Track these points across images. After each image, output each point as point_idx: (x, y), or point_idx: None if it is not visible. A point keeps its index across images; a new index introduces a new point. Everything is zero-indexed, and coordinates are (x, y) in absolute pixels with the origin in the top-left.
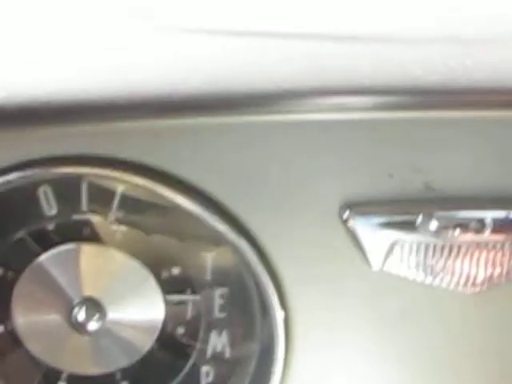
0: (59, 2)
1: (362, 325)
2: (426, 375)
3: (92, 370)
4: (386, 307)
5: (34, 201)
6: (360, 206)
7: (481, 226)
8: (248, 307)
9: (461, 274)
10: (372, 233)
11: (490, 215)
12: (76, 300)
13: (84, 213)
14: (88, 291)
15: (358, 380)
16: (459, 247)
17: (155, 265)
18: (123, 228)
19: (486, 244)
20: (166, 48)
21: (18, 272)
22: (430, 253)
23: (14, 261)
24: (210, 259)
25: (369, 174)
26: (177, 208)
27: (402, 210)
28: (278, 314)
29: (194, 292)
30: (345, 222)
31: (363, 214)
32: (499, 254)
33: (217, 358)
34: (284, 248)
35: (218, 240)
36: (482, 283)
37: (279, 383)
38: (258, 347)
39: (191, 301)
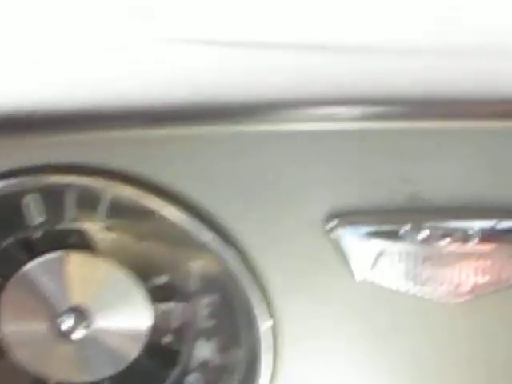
0: (47, 12)
1: (348, 334)
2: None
3: (79, 378)
4: (372, 317)
5: (22, 209)
6: (347, 216)
7: (468, 236)
8: (235, 316)
9: (447, 284)
10: (358, 243)
11: (477, 225)
12: (63, 308)
13: (71, 221)
14: (75, 299)
15: None
16: (446, 257)
17: (142, 273)
18: (111, 236)
19: (473, 254)
20: (155, 58)
21: (5, 280)
22: (417, 263)
23: (0, 269)
24: (197, 268)
25: (356, 184)
26: (164, 217)
27: (389, 219)
28: (265, 323)
29: (181, 300)
30: (331, 231)
31: (350, 223)
32: (486, 264)
33: (204, 366)
34: (270, 257)
35: (204, 249)
36: (469, 293)
37: None
38: (246, 355)
39: (178, 309)
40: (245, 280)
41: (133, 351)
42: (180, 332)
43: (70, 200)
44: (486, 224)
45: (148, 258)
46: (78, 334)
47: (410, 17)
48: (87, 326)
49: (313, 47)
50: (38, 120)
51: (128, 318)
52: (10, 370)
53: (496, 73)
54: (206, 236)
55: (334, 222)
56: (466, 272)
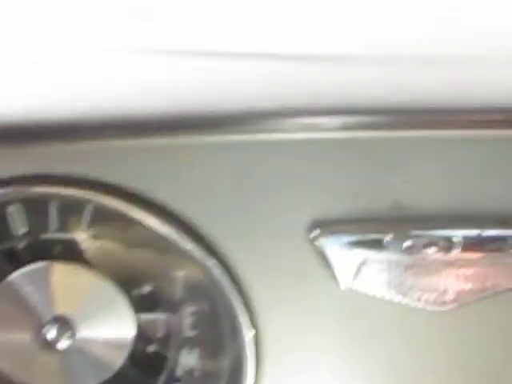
0: (22, 22)
1: (331, 343)
2: None
3: None
4: (355, 326)
5: (4, 219)
6: (329, 225)
7: (451, 244)
8: (218, 326)
9: (431, 293)
10: (341, 252)
11: (459, 234)
12: (47, 318)
13: (54, 231)
14: (59, 309)
15: None
16: (429, 266)
17: (126, 283)
18: (94, 246)
19: (457, 262)
20: (132, 68)
21: None
22: (400, 271)
23: None
24: (181, 277)
25: (339, 193)
26: (147, 227)
27: (371, 228)
28: (248, 333)
29: (165, 309)
30: (313, 241)
31: (332, 233)
32: (469, 273)
33: (187, 376)
34: (253, 267)
35: (188, 258)
36: (453, 301)
37: None
38: (229, 365)
39: (162, 319)
40: (227, 289)
41: (117, 361)
42: (164, 341)
43: (53, 210)
44: (469, 232)
45: (132, 267)
46: (62, 344)
47: (385, 26)
48: (72, 336)
49: (288, 57)
50: (21, 131)
51: (112, 327)
52: None
53: (476, 82)
54: (189, 246)
55: (317, 232)
56: (450, 280)
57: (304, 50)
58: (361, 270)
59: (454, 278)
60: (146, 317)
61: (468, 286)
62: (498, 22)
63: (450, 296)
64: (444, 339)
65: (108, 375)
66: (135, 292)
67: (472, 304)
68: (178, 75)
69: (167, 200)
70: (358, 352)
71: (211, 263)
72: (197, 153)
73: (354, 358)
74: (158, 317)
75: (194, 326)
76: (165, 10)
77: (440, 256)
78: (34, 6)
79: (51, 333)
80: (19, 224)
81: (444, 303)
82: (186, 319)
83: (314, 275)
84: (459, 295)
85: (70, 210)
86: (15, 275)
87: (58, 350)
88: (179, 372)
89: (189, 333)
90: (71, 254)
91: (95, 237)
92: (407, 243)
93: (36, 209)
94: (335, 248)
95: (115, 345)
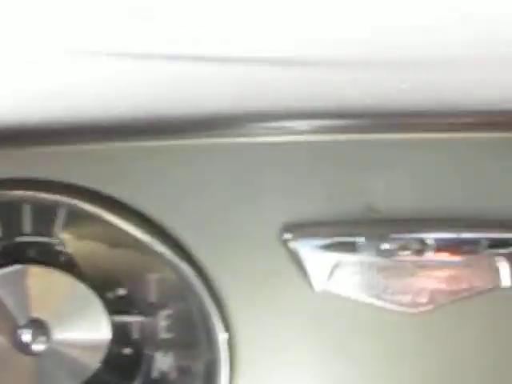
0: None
1: (306, 346)
2: None
3: None
4: (330, 328)
5: None
6: (302, 228)
7: (423, 246)
8: (193, 328)
9: (405, 294)
10: (314, 254)
11: (432, 236)
12: (22, 321)
13: (29, 235)
14: (34, 313)
15: None
16: (402, 268)
17: (101, 286)
18: (68, 250)
19: (430, 265)
20: (106, 72)
21: None
22: (374, 274)
23: None
24: (155, 281)
25: (312, 196)
26: (121, 230)
27: (344, 231)
28: (221, 336)
29: (140, 312)
30: (287, 243)
31: (305, 235)
32: (443, 275)
33: (162, 379)
34: (226, 270)
35: (162, 262)
36: (426, 304)
37: None
38: (204, 368)
39: (137, 322)
40: (201, 292)
41: (93, 363)
42: (140, 343)
43: (27, 213)
44: (442, 235)
45: (107, 270)
46: (37, 347)
47: (358, 30)
48: (47, 339)
49: (264, 61)
50: None
51: (88, 330)
52: None
53: (448, 85)
54: (162, 249)
55: (290, 234)
56: (424, 282)
57: (274, 54)
58: (334, 272)
59: (428, 280)
60: (121, 319)
61: (442, 288)
62: (469, 27)
63: (424, 298)
64: (418, 341)
65: (83, 378)
66: (110, 295)
67: (446, 306)
68: (151, 79)
69: (141, 204)
70: (333, 354)
71: (184, 266)
72: (170, 157)
73: (328, 361)
74: (133, 319)
75: (168, 329)
76: (136, 12)
77: (413, 258)
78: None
79: (26, 336)
80: None
81: (418, 305)
82: (161, 322)
83: (288, 278)
84: (433, 297)
85: (45, 214)
86: None
87: (33, 353)
88: (154, 374)
89: (164, 335)
90: (46, 257)
91: (70, 240)
92: (380, 246)
93: (10, 212)
94: (309, 251)
95: (90, 347)
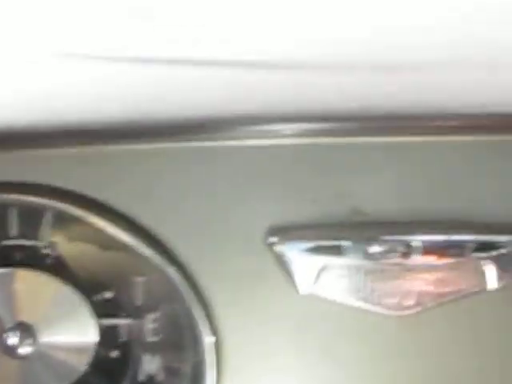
0: None
1: (293, 349)
2: None
3: None
4: (316, 331)
5: None
6: (288, 232)
7: (409, 249)
8: (180, 332)
9: (391, 298)
10: (300, 258)
11: (418, 239)
12: (8, 325)
13: (15, 238)
14: (20, 316)
15: None
16: (389, 271)
17: (88, 289)
18: (55, 253)
19: (417, 267)
20: (88, 76)
21: None
22: (360, 277)
23: None
24: (141, 284)
25: (296, 199)
26: (107, 234)
27: (331, 234)
28: (208, 340)
29: (127, 315)
30: (273, 247)
31: (291, 239)
32: (430, 278)
33: (149, 382)
34: (213, 274)
35: (148, 265)
36: (413, 307)
37: None
38: (191, 371)
39: (124, 324)
40: (187, 296)
41: (80, 367)
42: (126, 347)
43: (13, 217)
44: (428, 238)
45: (93, 273)
46: (24, 350)
47: (342, 33)
48: (33, 342)
49: (249, 65)
50: None
51: (74, 333)
52: None
53: (433, 88)
54: (148, 252)
55: (276, 237)
56: (411, 285)
57: (259, 57)
58: (321, 275)
59: (414, 282)
60: (109, 322)
61: (429, 290)
62: (453, 30)
63: (411, 301)
64: (405, 344)
65: (71, 381)
66: (97, 297)
67: (433, 309)
68: (138, 82)
69: (128, 207)
70: (320, 358)
71: (171, 270)
72: (155, 160)
73: (315, 364)
74: (119, 323)
75: (156, 332)
76: (135, 13)
77: (400, 261)
78: None
79: (13, 339)
80: None
81: (405, 308)
82: (148, 325)
83: (274, 281)
84: (420, 300)
85: (31, 217)
86: None
87: (19, 356)
88: (141, 377)
89: (151, 338)
90: (33, 260)
91: (57, 243)
92: (367, 249)
93: None
94: (295, 254)
95: (78, 350)
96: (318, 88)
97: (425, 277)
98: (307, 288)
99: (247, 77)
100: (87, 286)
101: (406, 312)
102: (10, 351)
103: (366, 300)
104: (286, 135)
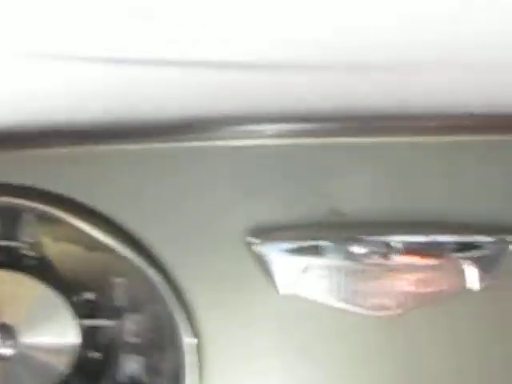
0: None
1: (274, 349)
2: None
3: None
4: (297, 332)
5: None
6: (268, 232)
7: (389, 250)
8: (161, 333)
9: (372, 298)
10: (281, 258)
11: (398, 239)
12: None
13: None
14: (2, 318)
15: None
16: (369, 271)
17: (68, 290)
18: (36, 254)
19: (397, 268)
20: (68, 77)
21: None
22: (341, 277)
23: None
24: (122, 285)
25: (276, 200)
26: (88, 235)
27: (311, 235)
28: (189, 341)
29: (108, 317)
30: (253, 247)
31: (271, 239)
32: (410, 278)
33: (130, 382)
34: (194, 275)
35: (130, 267)
36: (394, 307)
37: None
38: (171, 372)
39: (105, 326)
40: (168, 298)
41: (62, 368)
42: (107, 348)
43: None
44: (408, 238)
45: (74, 274)
46: (5, 352)
47: (318, 33)
48: (15, 344)
49: (229, 65)
50: None
51: (56, 334)
52: None
53: (410, 89)
54: (128, 254)
55: (256, 238)
56: (391, 286)
57: (239, 58)
58: (302, 276)
59: (395, 283)
60: (90, 323)
61: (410, 291)
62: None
63: (392, 301)
64: (387, 344)
65: (53, 382)
66: (78, 299)
67: (414, 309)
68: (116, 84)
69: (108, 209)
70: (301, 358)
71: (152, 272)
72: (136, 161)
73: (295, 364)
74: (101, 324)
75: (137, 333)
76: (113, 17)
77: (380, 261)
78: None
79: None
80: None
81: (386, 308)
82: (130, 326)
83: (255, 282)
84: (401, 300)
85: (12, 218)
86: None
87: (0, 358)
88: (122, 378)
89: (132, 339)
90: (13, 261)
91: (38, 244)
92: (347, 249)
93: None
94: (275, 255)
95: (59, 351)
96: (294, 88)
97: (406, 277)
98: (288, 289)
99: (226, 78)
100: (69, 286)
101: (387, 312)
102: None
103: (346, 301)
104: (265, 136)
